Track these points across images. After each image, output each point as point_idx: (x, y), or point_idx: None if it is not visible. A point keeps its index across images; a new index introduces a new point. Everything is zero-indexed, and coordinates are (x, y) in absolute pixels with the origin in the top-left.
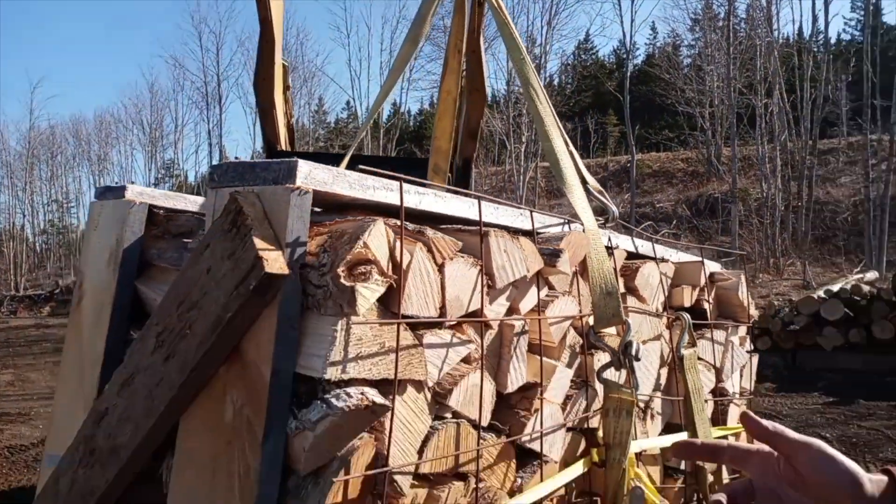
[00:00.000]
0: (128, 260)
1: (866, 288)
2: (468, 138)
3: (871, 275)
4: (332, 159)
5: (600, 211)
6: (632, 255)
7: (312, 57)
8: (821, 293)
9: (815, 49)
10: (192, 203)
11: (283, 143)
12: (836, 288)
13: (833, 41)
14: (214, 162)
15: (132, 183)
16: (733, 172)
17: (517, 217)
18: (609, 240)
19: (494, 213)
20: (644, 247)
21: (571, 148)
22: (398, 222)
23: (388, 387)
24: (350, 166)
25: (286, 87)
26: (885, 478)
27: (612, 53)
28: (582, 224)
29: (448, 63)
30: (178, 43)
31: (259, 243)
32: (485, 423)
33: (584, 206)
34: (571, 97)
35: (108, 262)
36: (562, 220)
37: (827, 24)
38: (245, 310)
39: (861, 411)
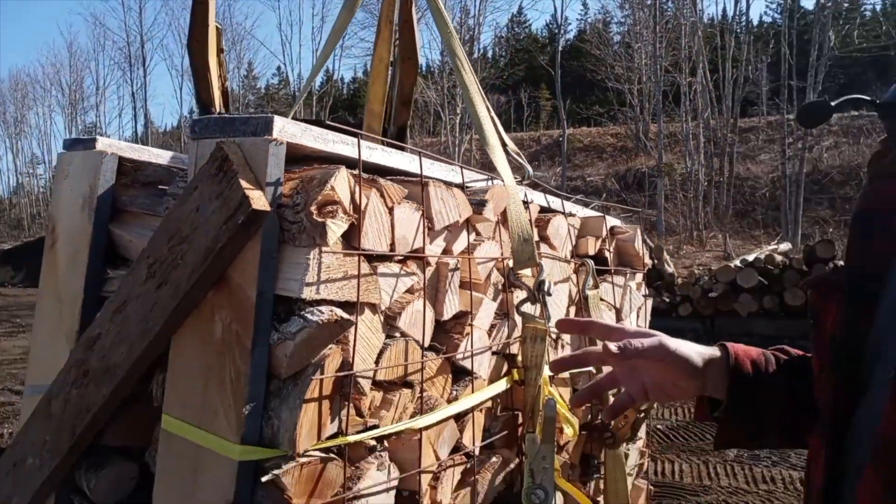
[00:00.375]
0: (102, 205)
1: (779, 258)
2: (402, 106)
3: (785, 246)
4: None
5: (517, 169)
6: (545, 210)
7: (241, 20)
8: (737, 262)
9: (738, 30)
10: (155, 156)
11: (218, 106)
12: (751, 258)
13: (755, 23)
14: (139, 127)
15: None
16: (659, 148)
17: (450, 172)
18: (525, 195)
19: (431, 168)
20: (555, 203)
21: (493, 114)
22: (355, 172)
23: (350, 308)
24: None
25: (220, 50)
26: (717, 352)
27: (544, 28)
28: (502, 180)
29: (380, 32)
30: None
31: (245, 184)
32: (426, 343)
33: (504, 165)
34: (504, 70)
35: (81, 208)
36: (486, 177)
37: (748, 5)
38: (233, 242)
39: None
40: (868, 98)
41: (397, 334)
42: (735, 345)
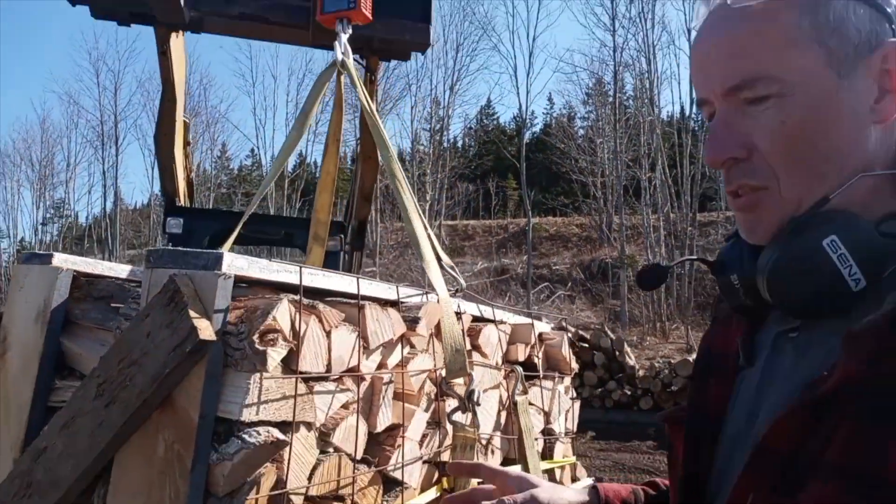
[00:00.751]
0: (55, 319)
1: None
2: (363, 201)
3: None
4: (228, 217)
5: (453, 281)
6: (477, 319)
7: (216, 103)
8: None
9: (695, 128)
10: (108, 269)
11: (182, 198)
12: None
13: None
14: (109, 204)
15: (55, 252)
16: (621, 240)
17: (386, 290)
18: (458, 306)
19: (369, 287)
20: (487, 311)
21: (430, 231)
22: (296, 296)
23: (286, 427)
24: (249, 221)
25: (186, 143)
26: (587, 497)
27: (512, 120)
28: (437, 294)
29: (328, 148)
30: (73, 79)
31: (193, 315)
32: (359, 456)
33: (439, 279)
34: (473, 160)
35: (35, 320)
36: (421, 292)
37: None
38: (180, 368)
39: None
40: (699, 258)
41: (331, 449)
42: (607, 486)
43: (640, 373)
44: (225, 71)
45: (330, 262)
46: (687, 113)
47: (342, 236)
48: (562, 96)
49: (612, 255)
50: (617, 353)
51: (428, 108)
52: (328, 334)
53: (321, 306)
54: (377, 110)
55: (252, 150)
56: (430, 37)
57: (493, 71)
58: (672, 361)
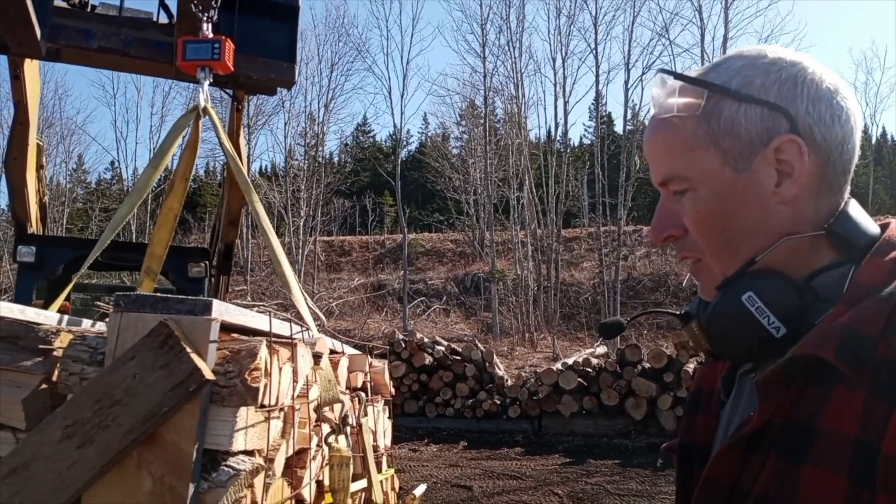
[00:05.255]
0: None
1: (595, 361)
2: (229, 225)
3: (602, 349)
4: (84, 244)
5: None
6: (332, 352)
7: (72, 114)
8: (559, 366)
9: (560, 149)
10: (6, 310)
11: (35, 223)
12: (571, 361)
13: (576, 144)
14: None
15: None
16: (492, 255)
17: (279, 326)
18: (331, 343)
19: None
20: (335, 344)
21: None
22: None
23: (254, 455)
24: (108, 248)
25: (39, 167)
26: None
27: (389, 138)
28: (307, 329)
29: (174, 186)
30: None
31: (195, 357)
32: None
33: (308, 317)
34: (349, 176)
35: None
36: (301, 327)
37: (566, 130)
38: (177, 405)
39: (590, 469)
40: (665, 311)
41: (271, 473)
42: None
43: (509, 382)
44: (83, 80)
45: (195, 290)
46: (552, 136)
47: (206, 263)
48: (436, 117)
49: (484, 269)
50: (487, 364)
51: (303, 123)
52: (280, 370)
53: (276, 346)
54: (245, 137)
55: (112, 163)
56: (295, 75)
57: (369, 91)
58: (538, 371)
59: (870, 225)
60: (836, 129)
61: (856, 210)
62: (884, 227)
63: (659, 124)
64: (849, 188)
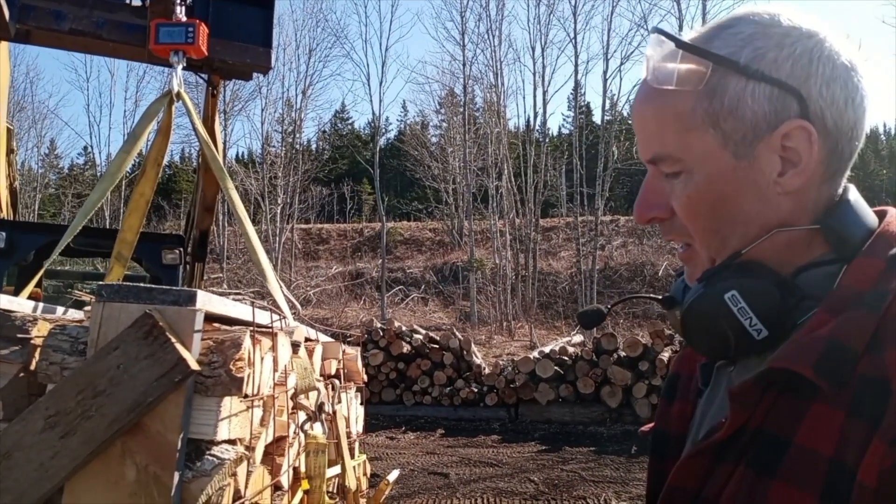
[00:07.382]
0: None
1: (572, 349)
2: (205, 212)
3: (578, 338)
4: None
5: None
6: (308, 339)
7: (44, 98)
8: (536, 354)
9: (539, 139)
10: None
11: (5, 208)
12: (547, 349)
13: (555, 134)
14: None
15: None
16: (470, 244)
17: (259, 315)
18: (306, 331)
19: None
20: (311, 332)
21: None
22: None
23: (236, 443)
24: (80, 234)
25: (10, 151)
26: None
27: (367, 125)
28: (286, 319)
29: (146, 172)
30: None
31: (180, 348)
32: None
33: (285, 306)
34: (327, 164)
35: None
36: (280, 316)
37: (545, 120)
38: (162, 395)
39: (566, 457)
40: (649, 296)
41: (253, 461)
42: None
43: (486, 371)
44: (55, 64)
45: (169, 277)
46: (531, 125)
47: (181, 250)
48: (415, 105)
49: (462, 258)
50: (465, 352)
51: (280, 110)
52: (262, 360)
53: (258, 336)
54: (220, 123)
55: (85, 149)
56: (271, 60)
57: (347, 78)
58: (515, 359)
59: (866, 216)
60: (848, 114)
61: (854, 197)
62: (881, 215)
63: (653, 94)
64: (848, 172)
